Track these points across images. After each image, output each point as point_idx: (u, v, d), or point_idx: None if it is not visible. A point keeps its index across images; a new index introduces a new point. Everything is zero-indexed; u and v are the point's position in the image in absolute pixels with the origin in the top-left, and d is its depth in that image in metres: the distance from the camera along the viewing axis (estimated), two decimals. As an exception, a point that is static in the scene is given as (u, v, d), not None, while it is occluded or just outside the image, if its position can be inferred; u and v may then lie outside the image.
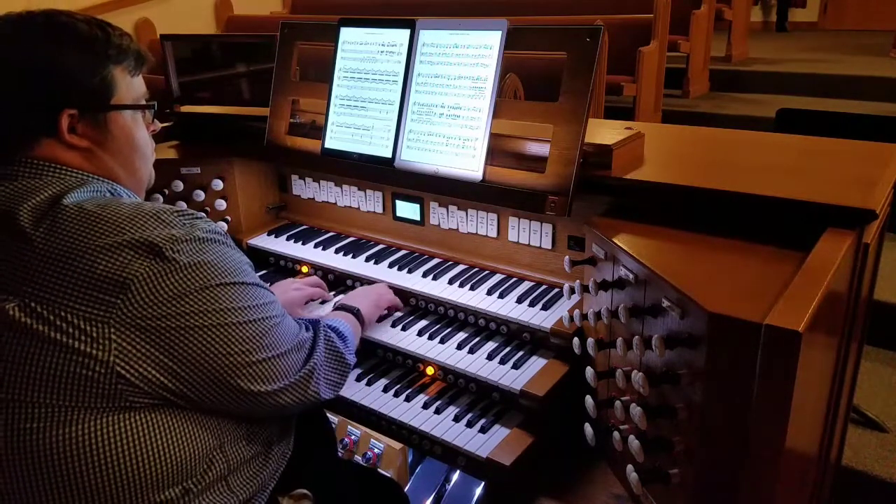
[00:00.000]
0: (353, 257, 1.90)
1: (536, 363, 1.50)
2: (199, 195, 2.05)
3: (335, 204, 2.08)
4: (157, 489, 1.04)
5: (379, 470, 2.06)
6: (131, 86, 1.21)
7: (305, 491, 1.32)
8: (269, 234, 2.10)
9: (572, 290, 1.43)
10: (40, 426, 0.98)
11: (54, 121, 1.11)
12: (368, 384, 1.57)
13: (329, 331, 1.32)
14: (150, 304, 0.99)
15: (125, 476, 1.02)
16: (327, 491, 1.39)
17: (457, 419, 1.45)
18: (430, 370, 1.58)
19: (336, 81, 1.87)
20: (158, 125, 1.33)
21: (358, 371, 1.62)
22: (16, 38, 1.10)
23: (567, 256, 1.48)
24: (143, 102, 1.25)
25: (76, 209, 1.03)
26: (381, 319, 1.69)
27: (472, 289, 1.69)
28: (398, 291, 1.76)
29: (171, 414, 1.05)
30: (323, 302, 1.79)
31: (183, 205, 2.04)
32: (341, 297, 1.68)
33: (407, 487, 2.14)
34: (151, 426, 1.03)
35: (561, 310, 1.57)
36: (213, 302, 1.04)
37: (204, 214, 1.11)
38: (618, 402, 1.24)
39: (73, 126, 1.13)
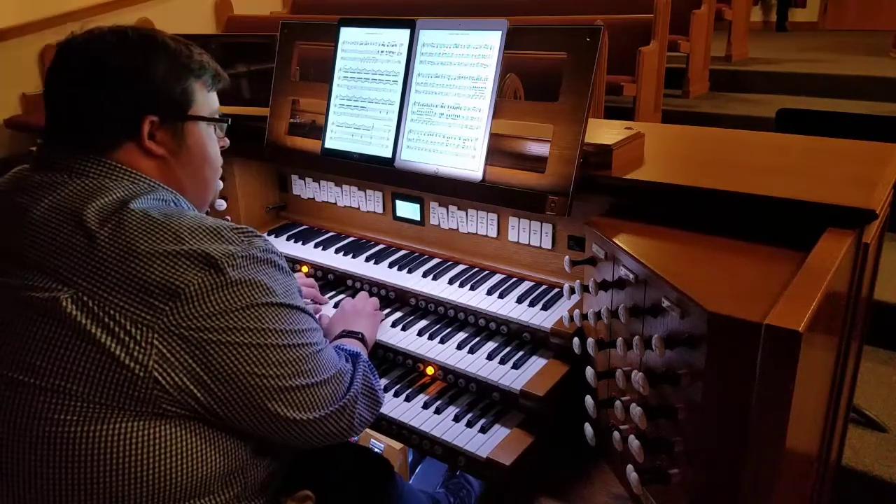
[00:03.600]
0: (353, 257, 1.90)
1: (536, 363, 1.50)
2: (199, 195, 2.05)
3: (335, 204, 2.08)
4: (173, 500, 1.04)
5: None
6: (207, 100, 1.26)
7: (308, 493, 1.32)
8: (269, 234, 2.10)
9: (572, 290, 1.43)
10: (71, 419, 0.99)
11: (137, 125, 1.15)
12: (368, 384, 1.57)
13: (367, 367, 1.31)
14: (196, 316, 1.00)
15: (143, 482, 1.02)
16: (328, 478, 1.40)
17: (457, 419, 1.45)
18: (430, 370, 1.58)
19: (336, 81, 1.87)
20: (227, 141, 1.37)
21: (358, 371, 1.61)
22: (111, 48, 1.15)
23: (567, 256, 1.48)
24: (218, 117, 1.30)
25: (141, 214, 1.05)
26: None
27: (472, 289, 1.69)
28: (398, 291, 1.76)
29: (200, 429, 1.05)
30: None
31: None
32: (336, 313, 1.62)
33: (407, 487, 2.14)
34: (179, 438, 1.03)
35: (561, 310, 1.57)
36: (256, 321, 1.05)
37: (262, 235, 1.13)
38: (618, 402, 1.24)
39: (153, 133, 1.17)
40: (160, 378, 0.99)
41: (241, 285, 1.04)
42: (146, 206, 1.09)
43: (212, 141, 1.30)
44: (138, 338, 0.98)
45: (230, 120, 1.34)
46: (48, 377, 1.00)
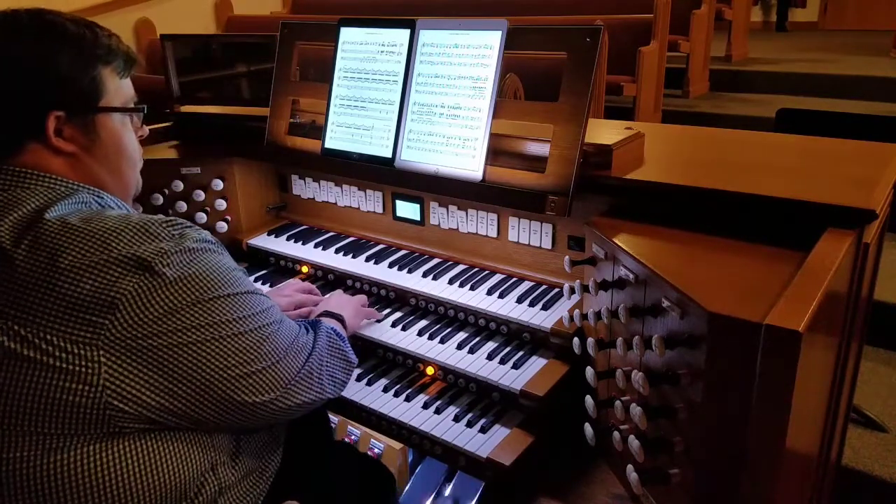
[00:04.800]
0: (353, 257, 1.90)
1: (536, 363, 1.50)
2: (199, 195, 2.05)
3: (335, 204, 2.08)
4: None
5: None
6: (120, 88, 1.17)
7: (294, 502, 1.31)
8: (269, 234, 2.10)
9: (572, 290, 1.43)
10: (27, 455, 0.95)
11: (41, 123, 1.06)
12: (368, 384, 1.57)
13: (330, 331, 1.31)
14: (140, 324, 0.95)
15: (112, 503, 0.99)
16: (318, 484, 1.40)
17: (457, 419, 1.45)
18: (430, 370, 1.58)
19: (336, 81, 1.87)
20: (146, 130, 1.29)
21: (358, 371, 1.61)
22: (5, 33, 1.06)
23: (567, 256, 1.48)
24: (133, 105, 1.21)
25: (59, 224, 0.98)
26: None
27: (472, 289, 1.69)
28: (398, 291, 1.76)
29: (161, 438, 1.02)
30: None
31: (183, 205, 2.05)
32: (321, 302, 1.65)
33: (407, 487, 2.14)
34: (142, 452, 1.00)
35: (561, 310, 1.57)
36: (207, 315, 1.01)
37: (192, 223, 1.07)
38: (618, 402, 1.24)
39: (60, 129, 1.08)
40: (115, 396, 0.95)
41: (182, 283, 0.99)
42: (63, 212, 1.01)
43: (127, 132, 1.20)
44: (83, 358, 0.93)
45: (146, 108, 1.24)
46: None
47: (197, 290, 1.00)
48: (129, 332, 0.95)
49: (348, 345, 1.35)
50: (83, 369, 0.93)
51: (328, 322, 1.44)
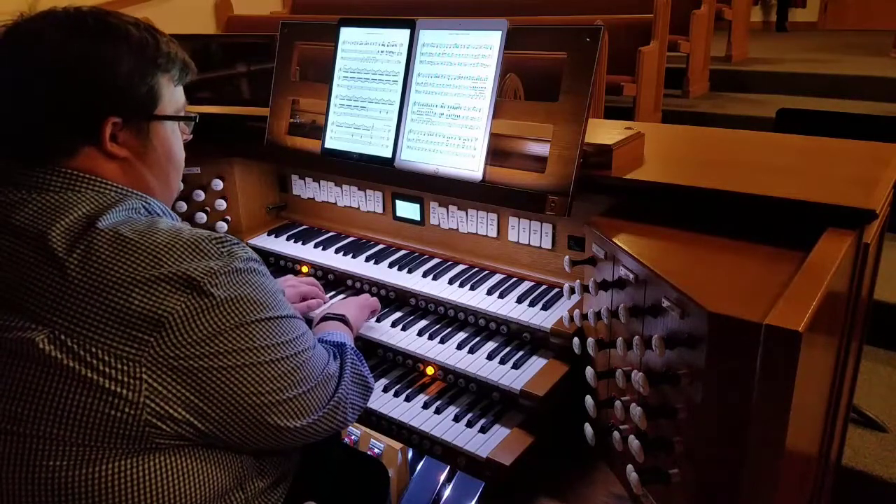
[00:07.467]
0: (353, 257, 1.90)
1: (536, 363, 1.50)
2: (199, 195, 2.05)
3: (335, 204, 2.08)
4: None
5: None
6: (174, 95, 1.17)
7: (313, 503, 1.32)
8: (269, 234, 2.10)
9: (572, 290, 1.43)
10: (61, 464, 0.94)
11: (98, 128, 1.06)
12: (368, 384, 1.57)
13: (354, 356, 1.30)
14: (184, 344, 0.95)
15: None
16: (332, 489, 1.41)
17: (457, 419, 1.45)
18: (430, 370, 1.58)
19: (336, 81, 1.87)
20: (191, 135, 1.29)
21: (358, 371, 1.62)
22: (67, 39, 1.04)
23: (567, 256, 1.48)
24: (184, 113, 1.21)
25: (112, 235, 0.97)
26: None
27: (472, 289, 1.69)
28: (398, 291, 1.76)
29: (193, 454, 1.02)
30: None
31: (183, 205, 2.05)
32: (326, 306, 1.65)
33: (407, 488, 2.14)
34: (173, 467, 1.00)
35: (561, 310, 1.57)
36: (249, 340, 1.01)
37: (241, 241, 1.07)
38: (618, 402, 1.24)
39: (115, 135, 1.08)
40: (153, 413, 0.94)
41: (228, 304, 0.98)
42: (115, 222, 1.01)
43: (177, 139, 1.21)
44: (126, 374, 0.93)
45: (198, 117, 1.25)
46: (33, 424, 0.94)
47: (241, 312, 1.00)
48: (172, 352, 0.95)
49: (367, 367, 1.34)
50: (125, 385, 0.93)
51: (328, 328, 1.43)
